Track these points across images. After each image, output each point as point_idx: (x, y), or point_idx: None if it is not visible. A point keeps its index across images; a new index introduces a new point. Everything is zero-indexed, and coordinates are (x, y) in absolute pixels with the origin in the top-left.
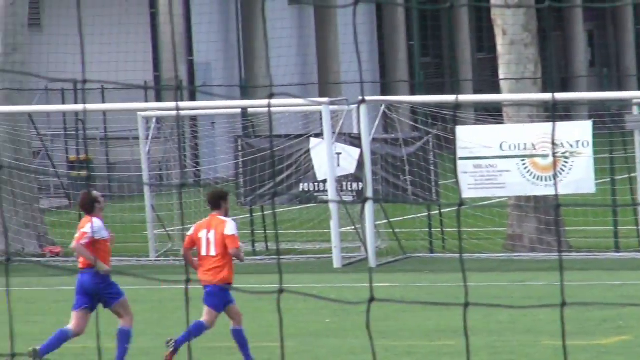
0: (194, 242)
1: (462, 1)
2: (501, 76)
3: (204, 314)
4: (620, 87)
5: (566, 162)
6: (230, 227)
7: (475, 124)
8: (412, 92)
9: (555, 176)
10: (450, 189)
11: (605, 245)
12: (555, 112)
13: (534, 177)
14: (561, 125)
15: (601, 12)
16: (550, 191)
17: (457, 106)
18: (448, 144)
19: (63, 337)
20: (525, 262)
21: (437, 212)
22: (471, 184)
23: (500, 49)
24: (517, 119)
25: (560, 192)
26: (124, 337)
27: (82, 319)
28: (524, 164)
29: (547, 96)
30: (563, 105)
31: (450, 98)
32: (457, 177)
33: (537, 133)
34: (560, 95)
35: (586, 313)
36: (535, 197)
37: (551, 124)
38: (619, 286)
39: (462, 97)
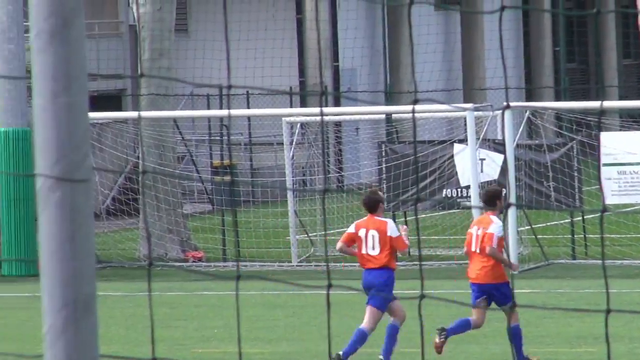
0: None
1: (609, 7)
2: None
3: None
4: None
5: None
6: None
7: (620, 130)
8: (557, 98)
9: None
10: (594, 195)
11: None
12: None
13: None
14: None
15: None
16: None
17: (602, 112)
18: (592, 150)
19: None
20: None
21: (579, 218)
22: (615, 190)
23: None
24: None
25: None
26: (391, 331)
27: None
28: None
29: None
30: None
31: (595, 104)
32: (601, 183)
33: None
34: None
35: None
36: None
37: None
38: None
39: (607, 103)
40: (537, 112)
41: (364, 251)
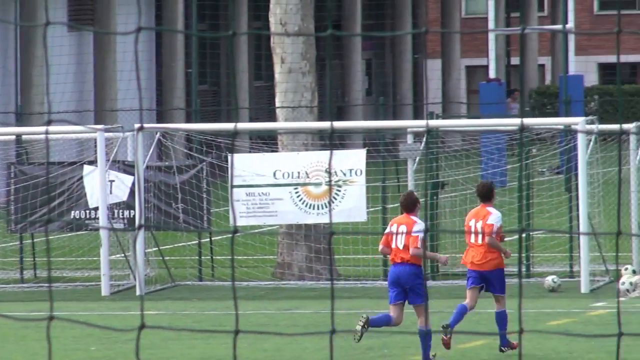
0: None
1: (242, 29)
2: (277, 104)
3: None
4: (396, 116)
5: (339, 191)
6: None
7: (250, 151)
8: (188, 120)
9: (330, 203)
10: (222, 217)
11: (374, 273)
12: (330, 141)
13: (306, 206)
14: (335, 154)
15: (380, 41)
16: (321, 219)
17: (234, 134)
18: (222, 172)
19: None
20: (293, 290)
21: (207, 239)
22: (243, 212)
23: (277, 77)
24: (292, 147)
25: (332, 221)
26: (423, 337)
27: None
28: (296, 192)
29: (323, 124)
30: (338, 134)
31: (225, 126)
32: (231, 205)
33: (311, 161)
34: (337, 124)
35: (353, 341)
36: (306, 225)
37: (324, 152)
38: None
39: (239, 125)
40: (168, 134)
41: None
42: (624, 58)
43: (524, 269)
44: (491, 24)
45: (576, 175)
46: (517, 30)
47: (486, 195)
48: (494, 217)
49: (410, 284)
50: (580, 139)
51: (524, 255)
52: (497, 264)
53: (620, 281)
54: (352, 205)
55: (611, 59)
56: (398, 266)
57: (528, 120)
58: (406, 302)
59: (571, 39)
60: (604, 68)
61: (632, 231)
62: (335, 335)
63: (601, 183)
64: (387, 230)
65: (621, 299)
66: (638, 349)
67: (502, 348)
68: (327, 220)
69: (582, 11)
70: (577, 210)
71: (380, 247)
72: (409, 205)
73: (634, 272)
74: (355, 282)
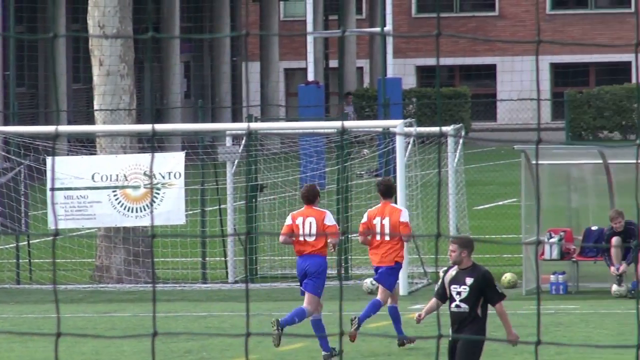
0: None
1: (61, 31)
2: (96, 107)
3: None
4: (214, 119)
5: (158, 193)
6: (404, 215)
7: (68, 154)
8: (6, 123)
9: (151, 205)
10: (40, 220)
11: (193, 276)
12: (150, 144)
13: (125, 209)
14: (154, 157)
15: (198, 43)
16: (140, 222)
17: (55, 137)
18: (40, 175)
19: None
20: (112, 293)
21: (25, 242)
22: (61, 214)
23: (96, 79)
24: (111, 150)
25: (155, 222)
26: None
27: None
28: (115, 195)
29: (142, 127)
30: (157, 137)
31: (45, 128)
32: (50, 207)
33: (130, 164)
34: (156, 127)
35: (171, 344)
36: (125, 228)
37: (143, 154)
38: (203, 317)
39: (60, 128)
40: None
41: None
42: (442, 61)
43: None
44: (310, 27)
45: (395, 177)
46: (337, 33)
47: (387, 192)
48: (405, 213)
49: (314, 272)
50: (399, 142)
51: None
52: (391, 260)
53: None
54: (171, 208)
55: (429, 61)
56: (307, 257)
57: (348, 123)
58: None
59: (389, 41)
60: (421, 71)
61: (450, 233)
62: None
63: (419, 185)
64: (288, 222)
65: None
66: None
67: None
68: (145, 223)
69: (400, 14)
70: None
71: (282, 238)
72: (310, 197)
73: None
74: (174, 285)
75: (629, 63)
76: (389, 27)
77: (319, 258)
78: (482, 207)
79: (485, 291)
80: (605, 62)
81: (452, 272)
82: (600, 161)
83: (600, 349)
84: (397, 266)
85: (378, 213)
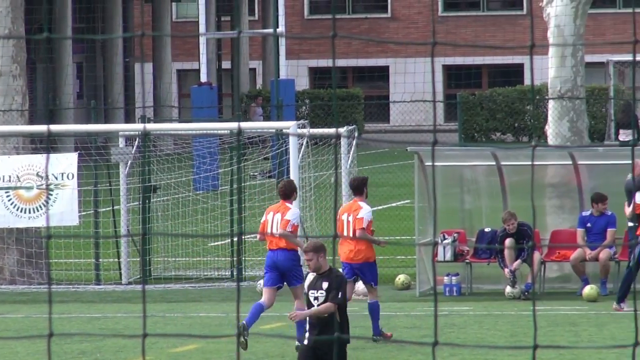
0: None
1: None
2: None
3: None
4: (107, 120)
5: (51, 194)
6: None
7: None
8: None
9: (46, 206)
10: None
11: (86, 277)
12: (43, 144)
13: (18, 209)
14: (46, 158)
15: (91, 44)
16: (33, 223)
17: None
18: None
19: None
20: (5, 294)
21: None
22: None
23: None
24: (3, 151)
25: (45, 224)
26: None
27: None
28: (8, 196)
29: (35, 128)
30: (50, 137)
31: None
32: None
33: (22, 165)
34: (51, 128)
35: (65, 345)
36: (18, 229)
37: (35, 155)
38: (97, 318)
39: None
40: None
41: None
42: (335, 62)
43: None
44: (202, 28)
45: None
46: (232, 34)
47: (358, 188)
48: (364, 211)
49: (288, 268)
50: (292, 143)
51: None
52: (366, 257)
53: None
54: (64, 209)
55: (322, 63)
56: (275, 252)
57: (243, 124)
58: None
59: (282, 43)
60: (314, 72)
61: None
62: (46, 340)
63: (313, 187)
64: (263, 219)
65: None
66: (356, 351)
67: (375, 337)
68: (39, 224)
69: (293, 15)
70: None
71: (258, 236)
72: (287, 193)
73: None
74: (67, 287)
75: (522, 65)
76: (281, 29)
77: (287, 252)
78: (375, 208)
79: (333, 292)
80: (498, 64)
81: (310, 277)
82: (494, 163)
83: (493, 349)
84: (374, 262)
85: (347, 209)
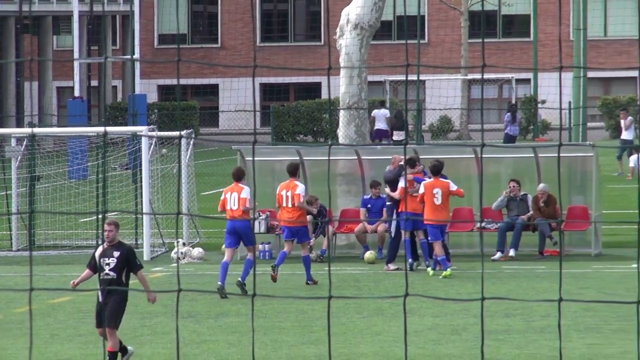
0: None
1: None
2: None
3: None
4: (2, 125)
5: None
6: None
7: None
8: None
9: None
10: None
11: None
12: None
13: None
14: None
15: None
16: None
17: None
18: None
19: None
20: None
21: None
22: None
23: None
24: None
25: None
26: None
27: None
28: None
29: None
30: None
31: None
32: None
33: None
34: None
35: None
36: None
37: None
38: None
39: None
40: None
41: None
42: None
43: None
44: (76, 55)
45: (141, 170)
46: (99, 60)
47: (294, 172)
48: (300, 188)
49: (244, 233)
50: (144, 143)
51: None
52: (302, 221)
53: (173, 251)
54: None
55: (167, 81)
56: (234, 221)
57: (110, 128)
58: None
59: (137, 66)
60: (162, 89)
61: (185, 211)
62: None
63: (160, 176)
64: (222, 197)
65: (174, 264)
66: (187, 302)
67: (308, 282)
68: None
69: (146, 45)
70: (142, 197)
71: (219, 209)
72: (239, 175)
73: (184, 244)
74: None
75: (320, 83)
76: (137, 55)
77: (243, 221)
78: (207, 192)
79: (130, 262)
80: (302, 82)
81: (101, 248)
82: (297, 158)
83: (298, 299)
84: (307, 225)
85: (285, 186)
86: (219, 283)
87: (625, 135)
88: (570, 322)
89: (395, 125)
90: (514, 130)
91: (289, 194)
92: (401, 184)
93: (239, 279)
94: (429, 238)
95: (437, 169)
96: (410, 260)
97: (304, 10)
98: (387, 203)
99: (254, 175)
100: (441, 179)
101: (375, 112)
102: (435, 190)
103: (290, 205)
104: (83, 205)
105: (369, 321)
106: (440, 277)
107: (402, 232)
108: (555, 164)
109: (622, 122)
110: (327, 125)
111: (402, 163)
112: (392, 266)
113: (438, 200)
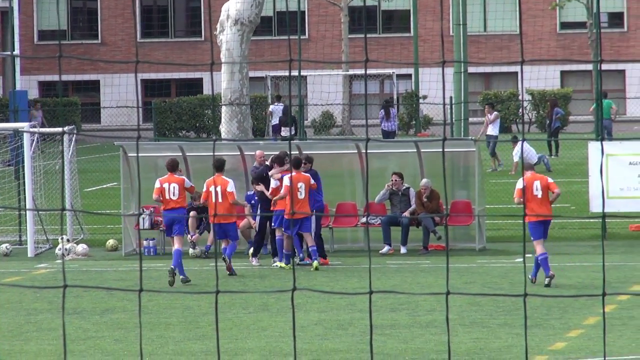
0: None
1: None
2: None
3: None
4: None
5: None
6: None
7: None
8: None
9: None
10: None
11: None
12: None
13: None
14: None
15: None
16: None
17: None
18: None
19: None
20: None
21: None
22: None
23: None
24: None
25: None
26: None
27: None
28: None
29: None
30: None
31: None
32: None
33: None
34: None
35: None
36: None
37: None
38: None
39: None
40: None
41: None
42: (62, 77)
43: None
44: None
45: (23, 166)
46: None
47: (220, 167)
48: (231, 185)
49: (178, 220)
50: (26, 139)
51: None
52: (233, 219)
53: (58, 247)
54: None
55: (48, 77)
56: (172, 211)
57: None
58: None
59: (18, 62)
60: (43, 85)
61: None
62: None
63: (43, 173)
64: (157, 186)
65: (59, 261)
66: (73, 298)
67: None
68: None
69: (26, 41)
70: (24, 193)
71: (155, 196)
72: (174, 166)
73: (68, 240)
74: None
75: (201, 79)
76: (17, 51)
77: (179, 210)
78: (90, 189)
79: None
80: (184, 78)
81: None
82: (180, 154)
83: (183, 294)
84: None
85: (213, 182)
86: (171, 266)
87: (490, 130)
88: (456, 317)
89: (281, 121)
90: (389, 126)
91: (219, 189)
92: (272, 184)
93: (171, 266)
94: (301, 229)
95: (296, 163)
96: (301, 255)
97: (184, 6)
98: (256, 198)
99: (139, 172)
100: (304, 174)
101: (272, 107)
102: (299, 185)
103: (220, 201)
104: None
105: (255, 316)
106: (312, 269)
107: (277, 230)
108: (438, 158)
109: (487, 116)
110: (209, 121)
111: (267, 161)
112: (255, 261)
113: (302, 195)
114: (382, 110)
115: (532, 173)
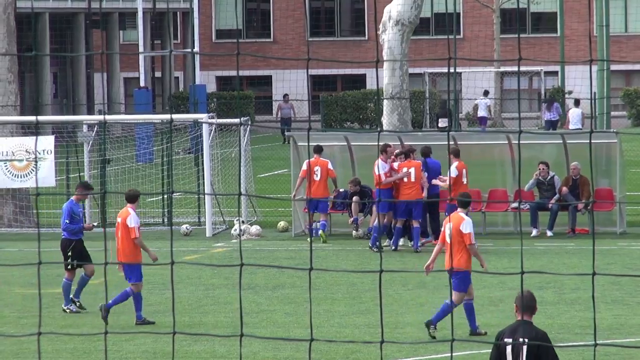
0: None
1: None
2: None
3: None
4: (75, 112)
5: (35, 165)
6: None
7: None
8: None
9: (36, 173)
10: None
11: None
12: (30, 130)
13: (13, 175)
14: (32, 139)
15: (63, 59)
16: (24, 184)
17: None
18: None
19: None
20: (4, 234)
21: None
22: None
23: None
24: (2, 134)
25: (33, 185)
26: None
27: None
28: (5, 166)
29: (27, 118)
30: (37, 125)
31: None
32: None
33: (15, 144)
34: (39, 118)
35: (47, 270)
36: (13, 189)
37: (25, 137)
38: None
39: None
40: None
41: None
42: (234, 73)
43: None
44: (141, 48)
45: (202, 154)
46: (164, 53)
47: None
48: (330, 164)
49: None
50: (205, 129)
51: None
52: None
53: (234, 228)
54: (45, 175)
55: (225, 73)
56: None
57: (175, 116)
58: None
59: (197, 58)
60: (220, 80)
61: (243, 192)
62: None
63: (220, 160)
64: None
65: (234, 241)
66: (247, 275)
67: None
68: (28, 185)
69: (205, 39)
70: (203, 179)
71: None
72: (316, 149)
73: (243, 222)
74: (48, 229)
75: (365, 75)
76: (197, 49)
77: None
78: (263, 175)
79: None
80: (348, 74)
81: None
82: (345, 143)
83: (347, 273)
84: None
85: (315, 163)
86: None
87: None
88: (599, 295)
89: (440, 113)
90: (549, 116)
91: (317, 169)
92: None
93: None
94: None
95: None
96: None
97: (349, 7)
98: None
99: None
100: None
101: (478, 100)
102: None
103: (318, 179)
104: (150, 186)
105: (414, 293)
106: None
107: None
108: (581, 149)
109: None
110: (372, 113)
111: (397, 152)
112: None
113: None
114: (544, 104)
115: None
